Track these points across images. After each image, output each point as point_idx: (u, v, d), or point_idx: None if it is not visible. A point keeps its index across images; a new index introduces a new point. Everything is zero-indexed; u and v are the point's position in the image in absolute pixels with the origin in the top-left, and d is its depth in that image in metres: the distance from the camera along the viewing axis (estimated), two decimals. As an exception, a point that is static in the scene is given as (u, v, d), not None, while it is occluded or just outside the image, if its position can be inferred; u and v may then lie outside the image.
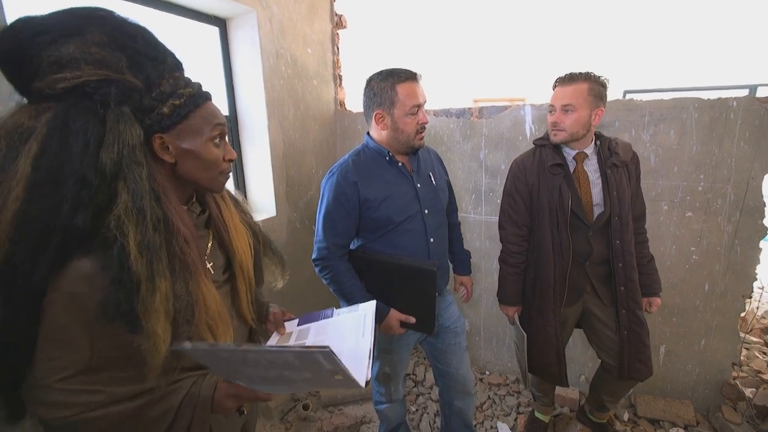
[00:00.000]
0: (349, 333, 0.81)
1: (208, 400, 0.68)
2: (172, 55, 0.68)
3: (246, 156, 1.99)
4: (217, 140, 0.72)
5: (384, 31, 3.91)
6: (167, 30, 1.62)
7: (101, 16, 0.60)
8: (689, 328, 1.80)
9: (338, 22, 2.28)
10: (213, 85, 1.85)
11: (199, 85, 0.70)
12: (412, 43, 4.47)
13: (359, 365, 0.70)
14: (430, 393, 2.14)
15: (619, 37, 4.28)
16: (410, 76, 1.18)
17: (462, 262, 1.56)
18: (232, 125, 1.93)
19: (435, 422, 1.94)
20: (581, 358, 2.04)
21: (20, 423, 0.64)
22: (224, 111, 1.89)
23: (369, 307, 0.88)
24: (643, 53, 4.23)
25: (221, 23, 1.83)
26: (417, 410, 2.03)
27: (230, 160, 0.76)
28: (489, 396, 2.11)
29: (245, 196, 2.04)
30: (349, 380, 0.59)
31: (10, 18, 1.05)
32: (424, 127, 1.23)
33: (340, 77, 2.36)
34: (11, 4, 1.06)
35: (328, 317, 0.91)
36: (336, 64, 2.33)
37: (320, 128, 2.25)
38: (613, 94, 1.72)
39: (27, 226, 0.54)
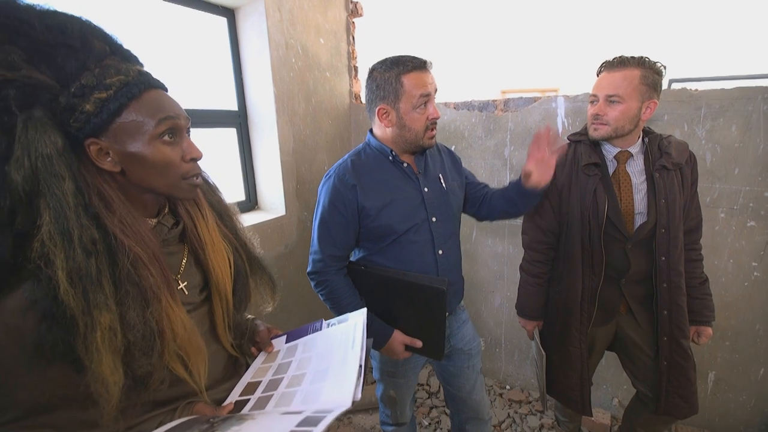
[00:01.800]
0: (338, 346, 0.74)
1: None
2: (103, 37, 0.56)
3: (255, 152, 1.91)
4: (167, 137, 0.59)
5: (404, 18, 3.71)
6: (175, 22, 1.57)
7: None
8: (745, 355, 1.56)
9: (354, 10, 2.14)
10: (222, 78, 1.78)
11: (137, 72, 0.58)
12: (435, 31, 4.24)
13: (346, 383, 0.63)
14: (444, 406, 2.00)
15: (663, 18, 3.86)
16: (418, 65, 1.02)
17: (513, 184, 1.20)
18: (241, 121, 1.85)
19: (448, 439, 1.81)
20: (615, 379, 1.84)
21: None
22: (233, 106, 1.82)
23: (359, 317, 0.80)
24: (693, 36, 3.79)
25: (229, 13, 1.74)
26: (430, 424, 1.91)
27: (192, 160, 0.64)
28: (509, 414, 1.95)
29: (255, 194, 1.96)
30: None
31: None
32: (435, 124, 1.08)
33: (356, 68, 2.23)
34: None
35: (317, 330, 0.84)
36: (351, 55, 2.20)
37: (333, 122, 2.14)
38: None
39: None
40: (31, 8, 0.51)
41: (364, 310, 0.82)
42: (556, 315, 1.31)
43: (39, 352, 0.49)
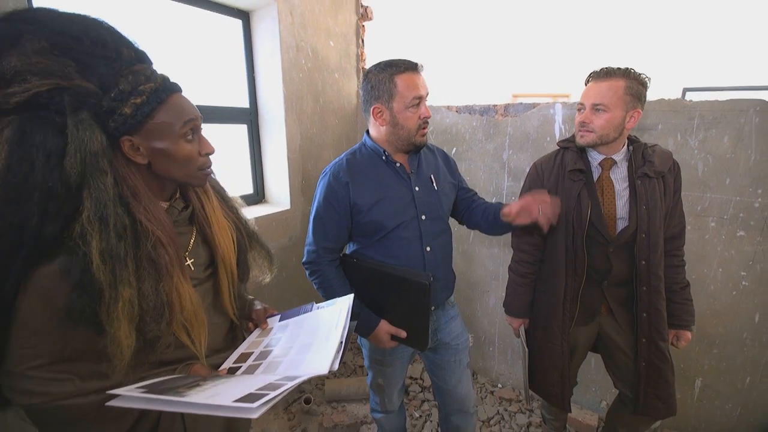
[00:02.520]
0: (324, 325, 0.84)
1: None
2: (129, 46, 0.65)
3: (264, 148, 2.01)
4: (189, 136, 0.70)
5: (414, 22, 3.77)
6: (195, 24, 1.67)
7: (38, 20, 0.58)
8: (732, 363, 1.58)
9: (364, 14, 2.22)
10: (236, 77, 1.88)
11: (164, 78, 0.68)
12: (445, 34, 4.28)
13: (325, 355, 0.71)
14: (435, 400, 2.07)
15: (679, 27, 3.82)
16: (410, 67, 1.09)
17: (495, 207, 1.27)
18: (252, 118, 1.95)
19: (438, 430, 1.87)
20: (604, 381, 1.87)
21: (7, 410, 0.67)
22: (245, 104, 1.92)
23: (345, 301, 0.89)
24: (708, 45, 3.73)
25: (244, 16, 1.84)
26: (420, 416, 1.98)
27: (207, 154, 0.75)
28: (498, 411, 2.00)
29: (262, 188, 2.06)
30: (309, 378, 0.63)
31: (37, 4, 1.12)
32: (427, 123, 1.14)
33: (364, 70, 2.31)
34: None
35: (308, 311, 0.93)
36: (360, 57, 2.28)
37: (340, 122, 2.22)
38: (670, 91, 1.54)
39: None
40: (81, 24, 0.61)
41: (351, 295, 0.91)
42: (539, 314, 1.36)
43: (68, 314, 0.58)
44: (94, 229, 0.58)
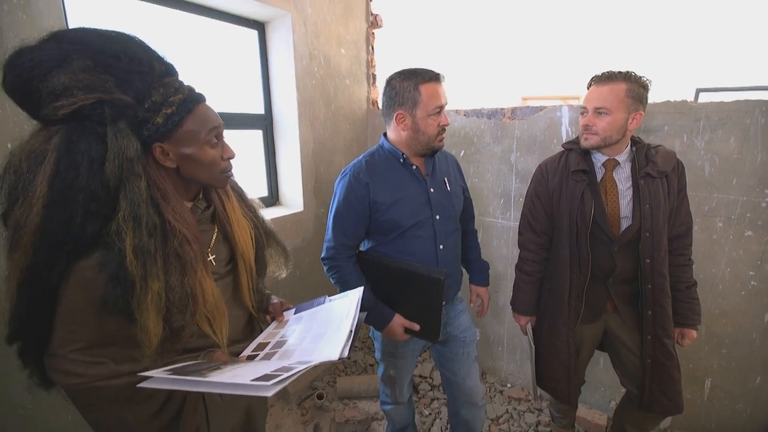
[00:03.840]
0: (336, 317, 0.89)
1: None
2: (159, 60, 0.72)
3: (278, 153, 2.09)
4: (213, 142, 0.77)
5: (423, 27, 3.82)
6: (213, 35, 1.76)
7: (82, 41, 0.65)
8: (742, 363, 1.58)
9: (374, 22, 2.29)
10: (252, 85, 1.97)
11: (190, 89, 0.74)
12: (455, 40, 4.33)
13: (336, 343, 0.76)
14: (445, 398, 2.10)
15: (691, 28, 3.79)
16: (434, 77, 1.16)
17: (478, 272, 1.50)
18: (267, 124, 2.03)
19: (447, 428, 1.91)
20: (613, 382, 1.87)
21: (51, 390, 0.75)
22: (260, 110, 2.00)
23: (356, 293, 0.95)
24: (721, 46, 3.69)
25: (260, 27, 1.93)
26: (430, 414, 2.01)
27: (229, 158, 0.82)
28: (507, 410, 2.02)
29: (277, 191, 2.14)
30: (316, 367, 0.67)
31: (71, 20, 1.21)
32: (445, 129, 1.21)
33: (374, 76, 2.38)
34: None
35: (321, 304, 0.99)
36: (370, 63, 2.35)
37: (351, 127, 2.29)
38: (683, 93, 1.56)
39: (46, 237, 0.63)
40: (120, 43, 0.68)
41: (361, 288, 0.97)
42: (545, 311, 1.40)
43: (104, 304, 0.65)
44: (129, 227, 0.64)
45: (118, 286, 0.64)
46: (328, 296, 1.01)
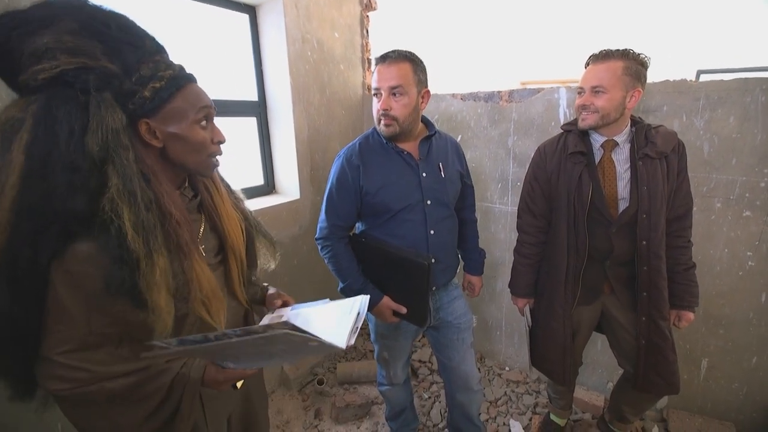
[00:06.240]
0: (338, 314, 0.85)
1: (198, 381, 0.72)
2: (151, 39, 0.69)
3: (273, 140, 2.06)
4: (203, 123, 0.73)
5: (420, 10, 3.74)
6: (203, 19, 1.72)
7: (76, 6, 0.62)
8: (738, 343, 1.59)
9: (368, 5, 2.24)
10: (244, 70, 1.93)
11: (181, 67, 0.71)
12: (451, 23, 4.24)
13: (340, 332, 0.73)
14: (443, 382, 2.12)
15: (692, 9, 3.71)
16: (377, 60, 1.16)
17: (473, 261, 1.50)
18: (261, 111, 2.00)
19: (446, 411, 1.93)
20: (610, 364, 1.89)
21: (27, 401, 0.68)
22: (253, 96, 1.97)
23: (360, 298, 0.89)
24: (721, 27, 3.62)
25: (251, 10, 1.88)
26: (429, 398, 2.04)
27: (219, 142, 0.77)
28: (506, 392, 2.05)
29: (272, 179, 2.12)
30: (325, 345, 0.62)
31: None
32: (387, 115, 1.15)
33: (369, 61, 2.34)
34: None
35: (324, 304, 0.94)
36: (365, 48, 2.30)
37: (346, 112, 2.26)
38: (684, 74, 1.52)
39: (24, 212, 0.58)
40: (111, 13, 0.65)
41: (367, 297, 0.90)
42: (543, 293, 1.40)
43: (107, 287, 0.60)
44: (124, 202, 0.60)
45: (123, 266, 0.60)
46: (329, 299, 0.96)
